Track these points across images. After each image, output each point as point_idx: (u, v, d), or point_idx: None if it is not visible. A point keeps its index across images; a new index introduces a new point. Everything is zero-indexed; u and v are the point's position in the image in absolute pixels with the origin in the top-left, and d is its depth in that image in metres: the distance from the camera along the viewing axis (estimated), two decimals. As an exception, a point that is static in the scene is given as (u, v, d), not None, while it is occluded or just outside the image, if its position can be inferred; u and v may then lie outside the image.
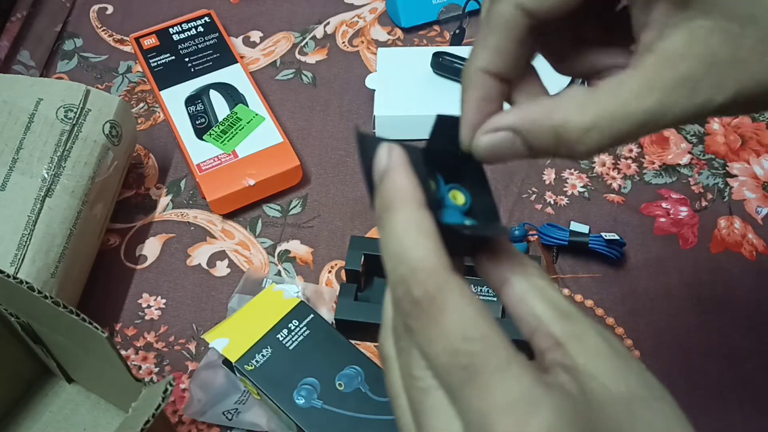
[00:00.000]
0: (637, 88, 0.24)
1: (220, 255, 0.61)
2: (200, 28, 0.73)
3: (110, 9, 0.79)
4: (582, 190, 0.63)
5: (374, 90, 0.67)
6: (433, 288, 0.23)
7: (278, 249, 0.61)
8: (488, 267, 0.27)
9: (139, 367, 0.56)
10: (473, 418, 0.21)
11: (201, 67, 0.69)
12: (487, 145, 0.27)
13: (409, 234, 0.24)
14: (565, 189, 0.63)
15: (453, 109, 0.28)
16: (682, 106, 0.24)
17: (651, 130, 0.25)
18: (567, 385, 0.23)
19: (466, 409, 0.22)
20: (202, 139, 0.64)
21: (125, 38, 0.76)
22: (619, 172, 0.64)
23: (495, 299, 0.52)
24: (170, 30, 0.72)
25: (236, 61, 0.70)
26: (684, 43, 0.24)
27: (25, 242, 0.52)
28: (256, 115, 0.65)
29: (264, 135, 0.64)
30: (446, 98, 0.64)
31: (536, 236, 0.60)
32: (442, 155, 0.28)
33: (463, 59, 0.65)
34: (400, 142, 0.27)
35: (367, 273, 0.57)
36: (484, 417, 0.21)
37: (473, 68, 0.27)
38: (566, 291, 0.58)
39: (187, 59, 0.70)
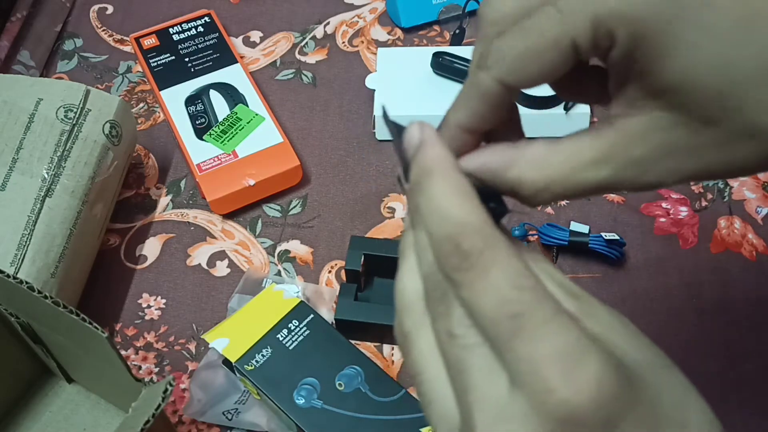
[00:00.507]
0: (592, 159, 0.25)
1: (220, 255, 0.61)
2: (200, 28, 0.73)
3: (110, 9, 0.79)
4: (582, 190, 0.63)
5: (374, 90, 0.67)
6: (482, 242, 0.23)
7: (278, 249, 0.61)
8: None
9: (139, 367, 0.56)
10: (522, 368, 0.22)
11: (201, 67, 0.69)
12: None
13: (453, 194, 0.24)
14: (565, 189, 0.63)
15: None
16: (632, 182, 0.25)
17: (602, 193, 0.26)
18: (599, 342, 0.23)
19: (514, 359, 0.22)
20: (202, 139, 0.64)
21: (125, 38, 0.76)
22: (619, 172, 0.64)
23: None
24: (170, 30, 0.72)
25: (236, 61, 0.70)
26: (646, 127, 0.24)
27: (25, 242, 0.52)
28: (256, 115, 0.65)
29: (264, 135, 0.64)
30: (446, 98, 0.64)
31: (536, 236, 0.60)
32: None
33: (463, 59, 0.65)
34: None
35: (367, 273, 0.57)
36: (534, 365, 0.21)
37: (451, 122, 0.28)
38: (566, 291, 0.58)
39: (187, 59, 0.70)
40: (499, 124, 0.28)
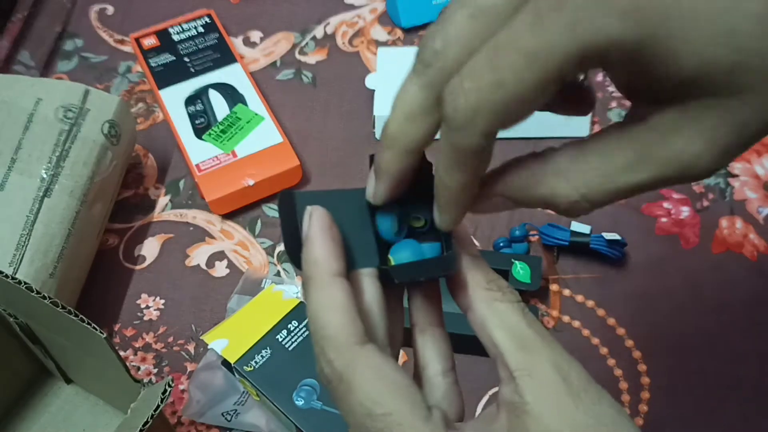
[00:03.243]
0: (627, 162, 0.23)
1: (220, 255, 0.61)
2: (200, 28, 0.72)
3: (110, 9, 0.79)
4: (583, 190, 0.63)
5: (374, 90, 0.67)
6: (341, 366, 0.24)
7: (278, 249, 0.61)
8: (453, 290, 0.28)
9: (138, 368, 0.56)
10: None
11: (201, 67, 0.69)
12: (482, 210, 0.27)
13: (319, 310, 0.25)
14: (565, 189, 0.63)
15: None
16: (678, 178, 0.23)
17: (643, 192, 0.24)
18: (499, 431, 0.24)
19: None
20: (202, 139, 0.64)
21: (125, 38, 0.76)
22: (620, 172, 0.64)
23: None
24: (170, 30, 0.72)
25: (236, 61, 0.70)
26: (679, 117, 0.23)
27: (24, 242, 0.52)
28: (256, 114, 0.65)
29: (264, 135, 0.64)
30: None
31: (537, 236, 0.60)
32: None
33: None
34: (338, 191, 0.28)
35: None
36: None
37: (445, 183, 0.26)
38: (567, 291, 0.57)
39: (186, 59, 0.70)
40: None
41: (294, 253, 0.27)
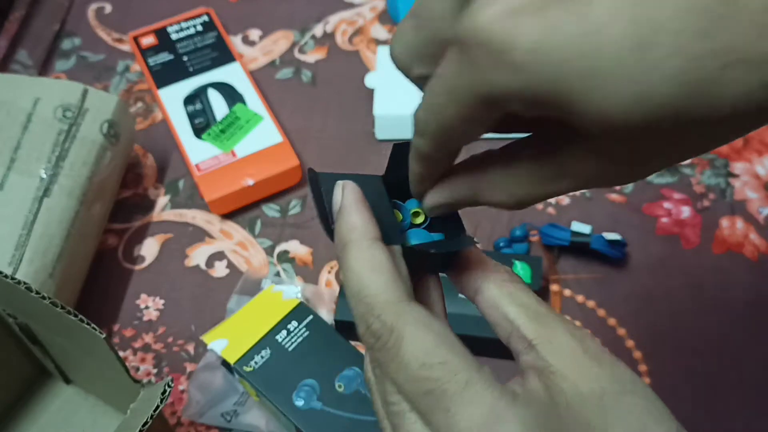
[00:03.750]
0: (551, 174, 0.25)
1: (219, 255, 0.61)
2: (199, 27, 0.72)
3: (108, 8, 0.79)
4: (583, 190, 0.63)
5: (374, 89, 0.67)
6: (390, 320, 0.24)
7: (277, 249, 0.61)
8: (461, 278, 0.29)
9: (138, 368, 0.55)
10: None
11: (199, 66, 0.69)
12: (434, 207, 0.29)
13: (363, 271, 0.25)
14: (566, 189, 0.63)
15: None
16: (605, 183, 0.25)
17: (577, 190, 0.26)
18: (536, 390, 0.24)
19: (437, 429, 0.23)
20: (201, 139, 0.64)
21: (123, 37, 0.76)
22: (620, 172, 0.64)
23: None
24: (169, 29, 0.72)
25: (235, 60, 0.69)
26: (589, 150, 0.24)
27: (23, 242, 0.51)
28: (255, 114, 0.65)
29: (263, 134, 0.64)
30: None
31: (538, 236, 0.60)
32: (404, 179, 0.30)
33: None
34: (356, 174, 0.29)
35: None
36: None
37: (413, 171, 0.28)
38: (568, 292, 0.57)
39: (185, 58, 0.70)
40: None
41: (326, 226, 0.28)
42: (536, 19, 0.19)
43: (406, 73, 0.27)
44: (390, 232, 0.28)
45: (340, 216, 0.27)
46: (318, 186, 0.29)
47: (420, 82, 0.26)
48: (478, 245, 0.59)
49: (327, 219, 0.28)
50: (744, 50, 0.18)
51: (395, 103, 0.65)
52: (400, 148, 0.29)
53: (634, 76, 0.19)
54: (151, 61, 0.70)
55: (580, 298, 0.57)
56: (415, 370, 0.23)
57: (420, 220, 0.30)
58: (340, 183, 0.28)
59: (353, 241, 0.26)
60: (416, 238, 0.30)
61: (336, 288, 0.58)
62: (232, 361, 0.49)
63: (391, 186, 0.30)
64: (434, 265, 0.30)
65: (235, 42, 0.75)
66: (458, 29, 0.21)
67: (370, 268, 0.25)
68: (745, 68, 0.18)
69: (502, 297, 0.27)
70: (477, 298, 0.28)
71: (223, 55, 0.70)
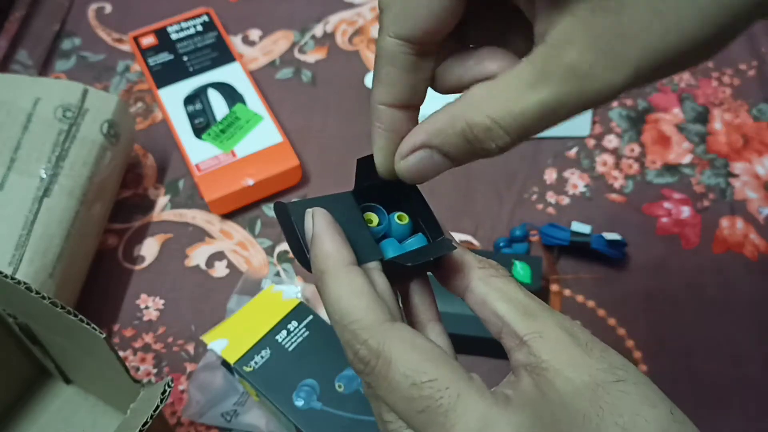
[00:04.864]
0: (529, 79, 0.23)
1: (219, 255, 0.61)
2: (199, 27, 0.72)
3: (108, 8, 0.79)
4: (583, 190, 0.63)
5: (374, 89, 0.67)
6: (376, 345, 0.24)
7: (277, 249, 0.61)
8: (447, 278, 0.29)
9: (138, 368, 0.55)
10: None
11: (199, 66, 0.69)
12: (409, 168, 0.27)
13: (342, 298, 0.25)
14: (566, 189, 0.63)
15: None
16: (578, 94, 0.23)
17: (555, 121, 0.24)
18: (528, 391, 0.24)
19: None
20: (201, 139, 0.64)
21: (123, 37, 0.76)
22: (620, 172, 0.64)
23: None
24: (169, 29, 0.72)
25: (235, 60, 0.69)
26: (570, 28, 0.23)
27: (23, 242, 0.51)
28: (255, 114, 0.65)
29: (263, 134, 0.64)
30: (446, 96, 0.64)
31: (538, 236, 0.60)
32: (376, 189, 0.30)
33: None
34: (326, 196, 0.29)
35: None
36: None
37: (374, 103, 0.28)
38: (568, 292, 0.57)
39: (185, 58, 0.70)
40: (423, 92, 0.27)
41: (301, 256, 0.28)
42: None
43: None
44: (366, 249, 0.28)
45: (314, 245, 0.27)
46: (289, 218, 0.28)
47: None
48: (478, 245, 0.59)
49: (301, 251, 0.28)
50: None
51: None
52: (365, 161, 0.29)
53: None
54: (151, 61, 0.70)
55: (580, 298, 0.57)
56: (405, 391, 0.24)
57: (404, 221, 0.30)
58: (309, 211, 0.28)
59: (329, 269, 0.26)
60: (392, 249, 0.29)
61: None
62: (232, 361, 0.49)
63: (362, 194, 0.30)
64: (416, 270, 0.30)
65: (235, 42, 0.75)
66: None
67: (349, 294, 0.25)
68: None
69: (491, 292, 0.27)
70: (466, 296, 0.28)
71: (223, 55, 0.70)
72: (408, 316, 0.30)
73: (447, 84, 0.28)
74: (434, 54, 0.27)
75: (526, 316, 0.26)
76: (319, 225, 0.27)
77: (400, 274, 0.29)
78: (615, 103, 0.68)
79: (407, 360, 0.24)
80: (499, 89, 0.24)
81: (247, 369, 0.49)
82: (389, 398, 0.24)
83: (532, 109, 0.23)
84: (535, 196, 0.63)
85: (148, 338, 0.57)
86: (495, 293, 0.27)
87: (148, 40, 0.71)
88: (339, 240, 0.27)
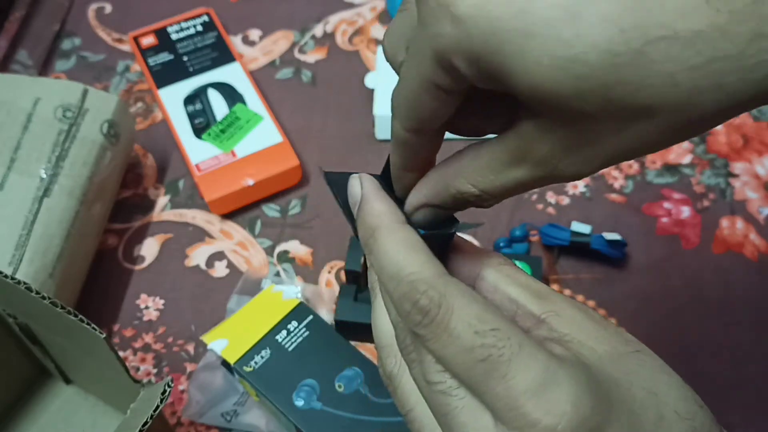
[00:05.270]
0: (505, 160, 0.25)
1: (219, 255, 0.61)
2: (199, 27, 0.72)
3: (108, 8, 0.79)
4: (583, 190, 0.63)
5: (374, 89, 0.67)
6: (437, 295, 0.24)
7: (277, 249, 0.61)
8: (459, 267, 0.29)
9: (138, 369, 0.55)
10: (502, 406, 0.22)
11: (200, 66, 0.69)
12: (420, 222, 0.29)
13: (400, 252, 0.26)
14: (566, 189, 0.63)
15: None
16: (552, 177, 0.25)
17: (538, 186, 0.26)
18: (565, 355, 0.24)
19: (492, 399, 0.23)
20: (201, 139, 0.64)
21: (123, 37, 0.76)
22: (620, 172, 0.64)
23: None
24: (169, 29, 0.72)
25: (235, 60, 0.69)
26: (540, 128, 0.23)
27: (23, 242, 0.51)
28: (255, 114, 0.65)
29: (263, 134, 0.64)
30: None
31: (538, 236, 0.60)
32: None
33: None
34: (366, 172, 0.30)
35: (366, 273, 0.56)
36: (512, 402, 0.22)
37: (393, 165, 0.29)
38: (568, 292, 0.57)
39: (185, 58, 0.70)
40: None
41: (350, 217, 0.29)
42: None
43: (393, 64, 0.27)
44: None
45: (364, 205, 0.28)
46: (332, 183, 0.30)
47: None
48: (477, 245, 0.59)
49: (350, 213, 0.29)
50: (666, 28, 0.19)
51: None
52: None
53: (562, 41, 0.20)
54: (151, 61, 0.70)
55: (580, 298, 0.57)
56: (467, 340, 0.23)
57: None
58: (356, 176, 0.29)
59: (383, 225, 0.27)
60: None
61: (336, 288, 0.58)
62: (232, 361, 0.49)
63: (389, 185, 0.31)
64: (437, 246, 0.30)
65: (235, 42, 0.75)
66: None
67: (407, 247, 0.26)
68: (665, 46, 0.19)
69: (503, 279, 0.28)
70: (477, 284, 0.28)
71: (223, 55, 0.70)
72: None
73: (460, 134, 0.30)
74: (442, 132, 0.28)
75: (540, 298, 0.26)
76: (368, 188, 0.28)
77: None
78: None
79: (470, 309, 0.24)
80: (482, 163, 0.26)
81: (247, 369, 0.49)
82: (447, 350, 0.24)
83: (512, 183, 0.25)
84: (534, 196, 0.63)
85: (148, 338, 0.57)
86: (507, 279, 0.28)
87: (148, 40, 0.71)
88: (390, 200, 0.28)
